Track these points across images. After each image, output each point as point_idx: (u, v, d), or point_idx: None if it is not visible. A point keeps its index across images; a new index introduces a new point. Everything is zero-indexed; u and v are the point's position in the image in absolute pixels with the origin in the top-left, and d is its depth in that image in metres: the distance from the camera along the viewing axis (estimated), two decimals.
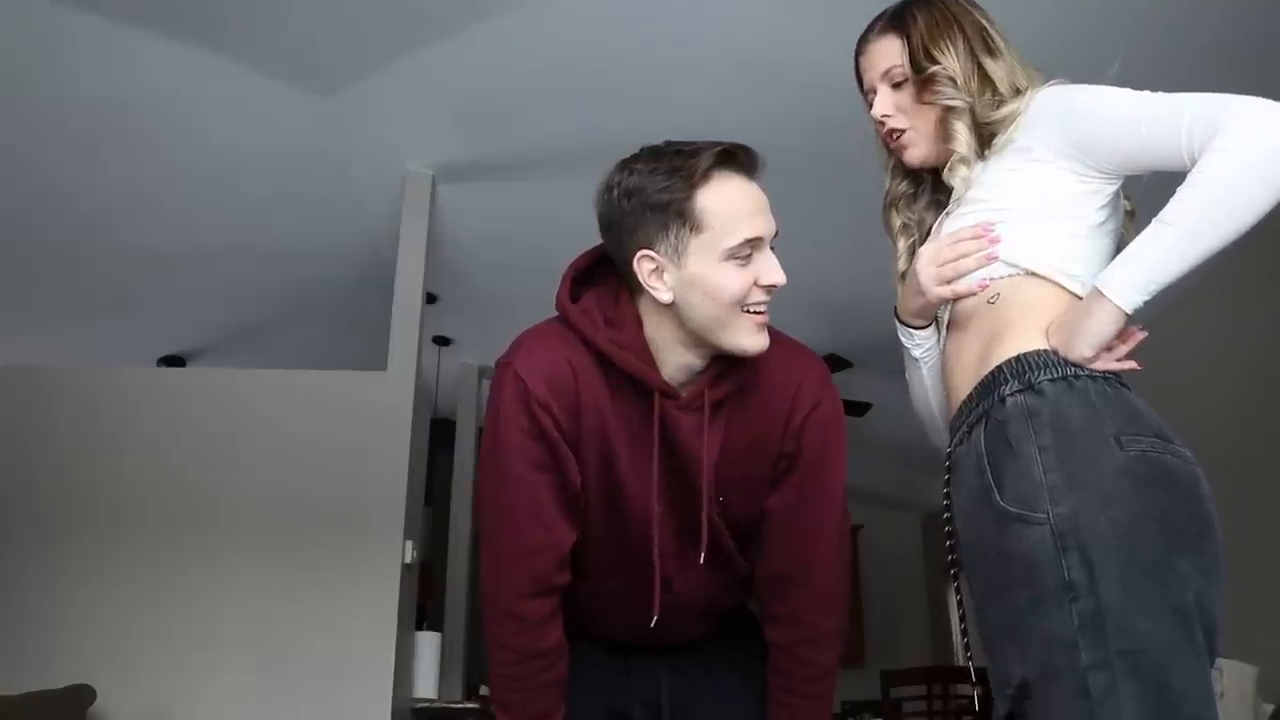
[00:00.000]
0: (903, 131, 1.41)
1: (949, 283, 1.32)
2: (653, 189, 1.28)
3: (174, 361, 5.51)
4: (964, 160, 1.35)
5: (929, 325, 1.43)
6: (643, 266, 1.30)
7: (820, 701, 1.50)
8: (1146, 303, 1.19)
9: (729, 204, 1.28)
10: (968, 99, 1.34)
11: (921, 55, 1.36)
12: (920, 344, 1.44)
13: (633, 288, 1.35)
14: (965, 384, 1.31)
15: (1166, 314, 4.35)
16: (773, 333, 1.37)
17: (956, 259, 1.31)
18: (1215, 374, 4.15)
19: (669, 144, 1.33)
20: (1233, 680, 3.18)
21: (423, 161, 3.91)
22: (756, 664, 1.54)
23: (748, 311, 1.31)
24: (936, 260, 1.33)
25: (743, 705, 1.56)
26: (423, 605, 4.42)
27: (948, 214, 1.39)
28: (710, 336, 1.33)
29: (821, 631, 1.47)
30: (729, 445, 1.40)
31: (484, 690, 4.85)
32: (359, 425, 3.66)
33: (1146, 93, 1.25)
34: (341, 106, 3.52)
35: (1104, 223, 1.30)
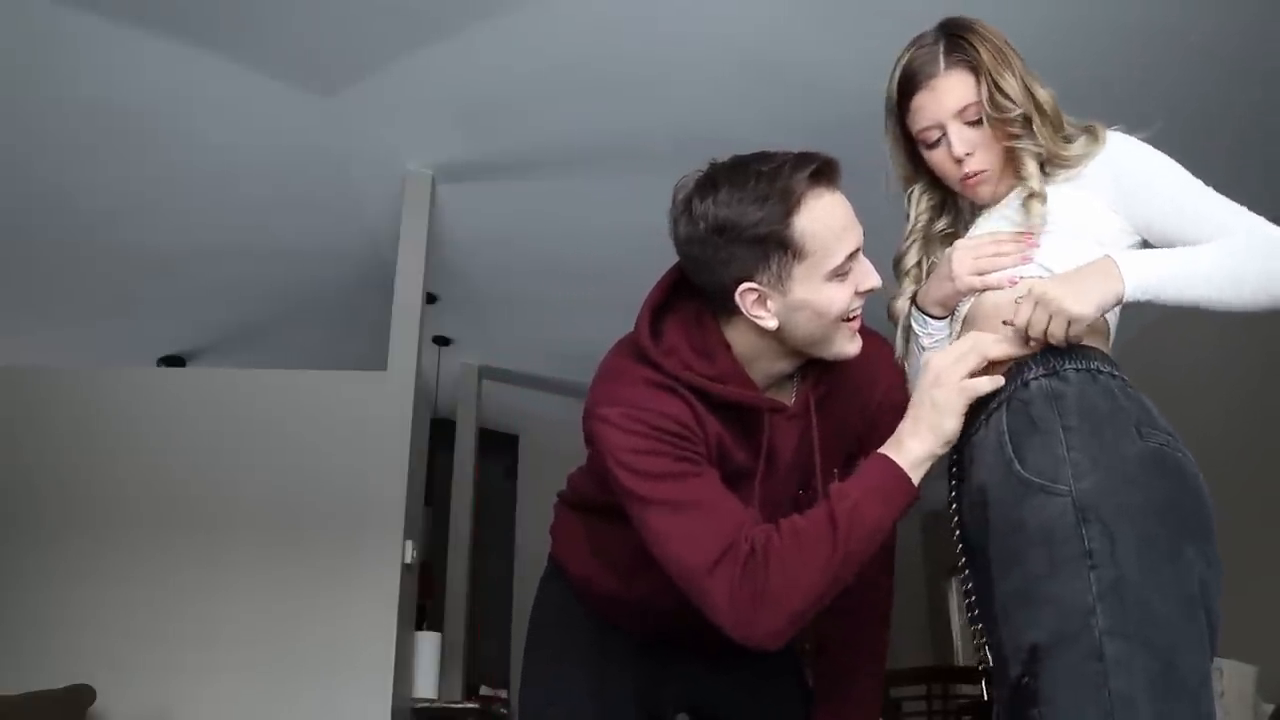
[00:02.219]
0: (981, 171, 1.38)
1: (981, 274, 1.35)
2: (748, 222, 1.24)
3: (174, 361, 5.50)
4: (1039, 196, 1.34)
5: (946, 317, 1.44)
6: (746, 299, 1.28)
7: (880, 651, 1.56)
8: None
9: (827, 225, 1.26)
10: (1043, 141, 1.35)
11: (998, 93, 1.33)
12: (933, 334, 1.45)
13: (721, 311, 1.33)
14: None
15: (1169, 315, 4.35)
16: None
17: (994, 253, 1.34)
18: (1218, 375, 4.15)
19: (742, 161, 1.29)
20: (1233, 680, 3.18)
21: (423, 161, 3.90)
22: (795, 658, 1.58)
23: (846, 320, 1.31)
24: (974, 253, 1.36)
25: (782, 698, 1.58)
26: (423, 605, 4.41)
27: (983, 220, 1.41)
28: (813, 350, 1.34)
29: (884, 586, 1.53)
30: (821, 438, 1.42)
31: (484, 690, 4.86)
32: (359, 425, 3.66)
33: (1197, 185, 1.32)
34: (341, 106, 3.52)
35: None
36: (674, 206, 1.32)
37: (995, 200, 1.42)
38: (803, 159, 1.27)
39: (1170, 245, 1.30)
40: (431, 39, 3.19)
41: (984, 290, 1.36)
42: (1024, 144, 1.35)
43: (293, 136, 3.70)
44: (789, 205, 1.24)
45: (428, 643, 4.10)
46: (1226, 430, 3.91)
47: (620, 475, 1.29)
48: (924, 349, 1.46)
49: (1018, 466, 1.21)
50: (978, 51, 1.35)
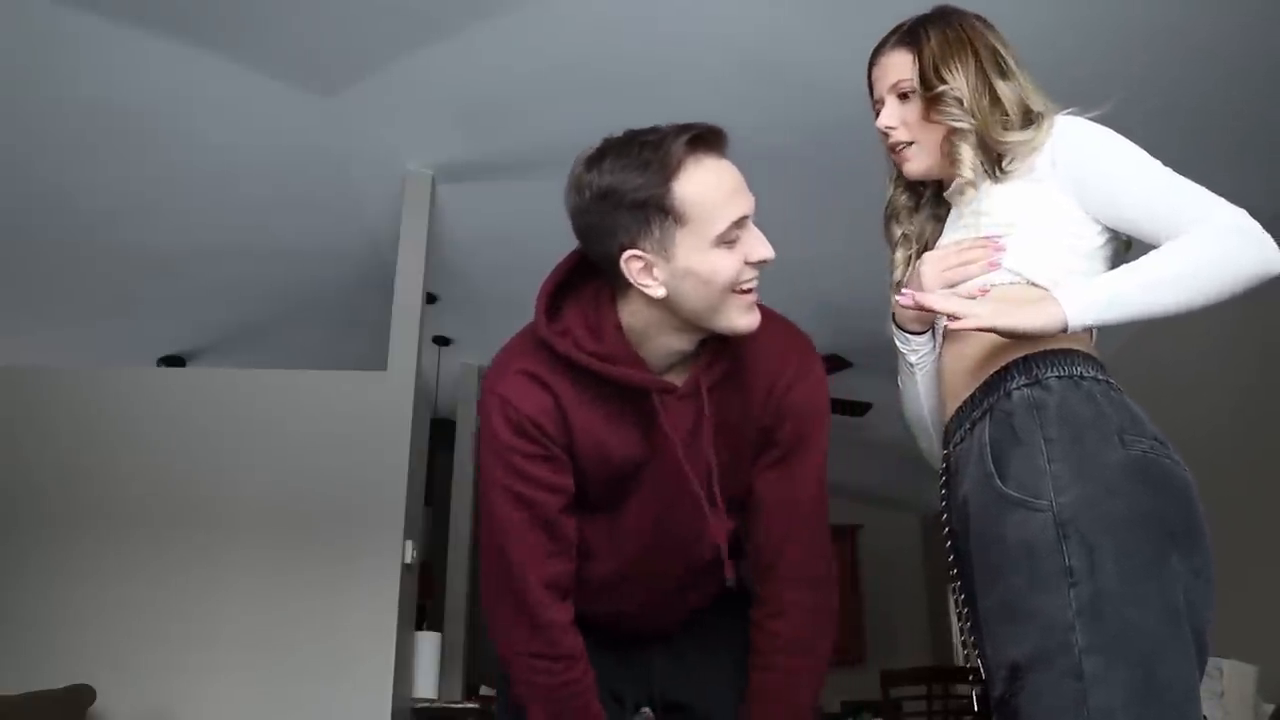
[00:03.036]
0: (905, 144, 1.43)
1: (952, 287, 1.34)
2: (628, 187, 1.25)
3: (174, 361, 5.51)
4: (971, 184, 1.37)
5: (926, 332, 1.45)
6: (631, 266, 1.28)
7: (787, 675, 1.46)
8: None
9: (708, 190, 1.26)
10: (973, 120, 1.36)
11: (931, 73, 1.39)
12: (916, 350, 1.46)
13: (616, 285, 1.34)
14: (963, 390, 1.34)
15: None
16: (762, 309, 1.36)
17: (961, 265, 1.34)
18: (1217, 374, 4.15)
19: (631, 134, 1.30)
20: (1233, 680, 3.18)
21: (423, 161, 3.90)
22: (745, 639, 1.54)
23: (739, 292, 1.30)
24: (941, 265, 1.36)
25: (731, 681, 1.54)
26: (423, 605, 4.41)
27: (949, 228, 1.42)
28: (704, 322, 1.32)
29: (788, 603, 1.45)
30: (719, 425, 1.40)
31: (484, 690, 4.86)
32: (359, 425, 3.66)
33: (1155, 167, 1.30)
34: (341, 106, 3.52)
35: (1103, 246, 1.33)
36: (567, 180, 1.32)
37: (926, 177, 1.45)
38: (684, 127, 1.27)
39: (1135, 233, 1.30)
40: (431, 39, 3.19)
41: None
42: (954, 121, 1.36)
43: (293, 137, 3.70)
44: (668, 171, 1.24)
45: (428, 643, 4.10)
46: (1227, 429, 3.91)
47: (483, 455, 1.40)
48: (911, 365, 1.47)
49: (998, 482, 1.21)
50: (928, 35, 1.41)
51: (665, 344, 1.36)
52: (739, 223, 1.27)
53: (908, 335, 1.45)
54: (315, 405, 3.70)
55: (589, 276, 1.39)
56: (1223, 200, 1.25)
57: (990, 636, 1.22)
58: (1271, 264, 1.22)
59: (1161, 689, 1.10)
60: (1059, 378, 1.24)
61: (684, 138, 1.25)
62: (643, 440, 1.38)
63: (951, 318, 1.25)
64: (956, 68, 1.38)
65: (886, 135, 1.45)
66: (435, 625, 4.79)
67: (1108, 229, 1.33)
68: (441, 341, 5.40)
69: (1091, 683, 1.10)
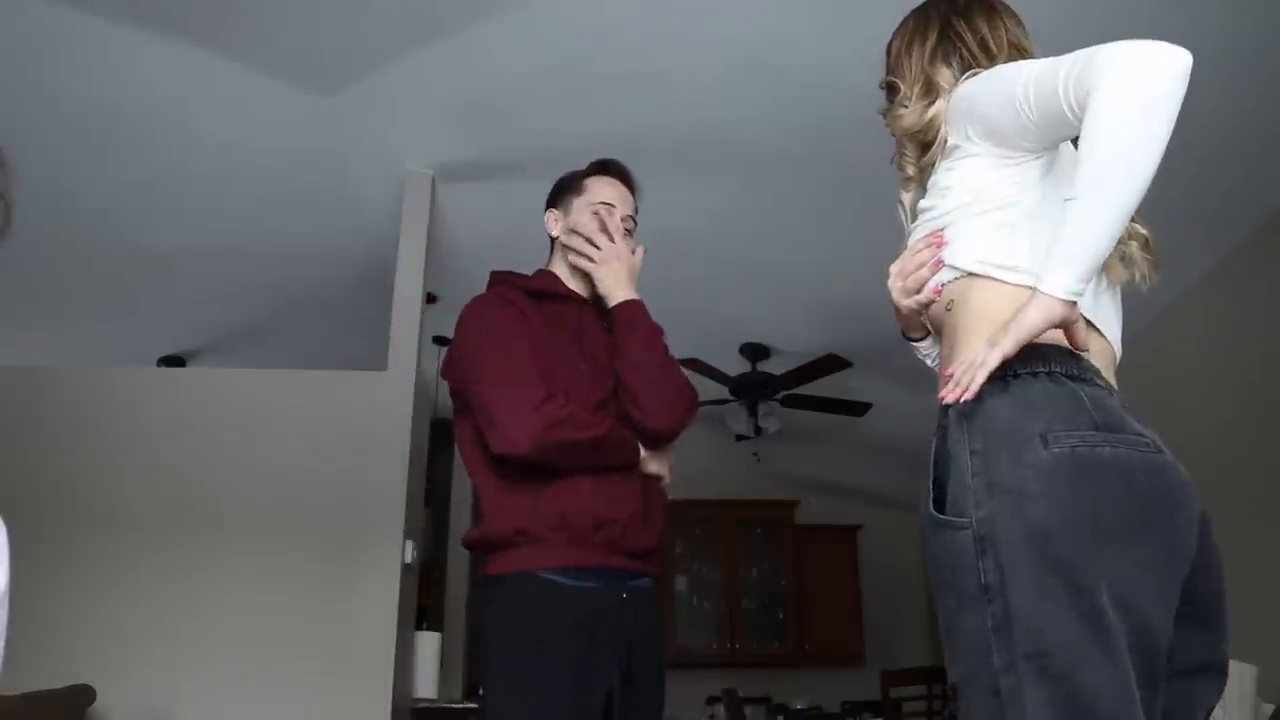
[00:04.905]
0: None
1: (914, 294, 1.34)
2: (566, 181, 2.17)
3: (174, 361, 5.50)
4: (909, 179, 1.41)
5: (927, 336, 1.45)
6: (549, 217, 2.16)
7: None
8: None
9: (598, 184, 2.12)
10: (900, 114, 1.38)
11: (893, 67, 1.42)
12: (927, 354, 1.46)
13: (552, 252, 2.16)
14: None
15: (1165, 316, 4.34)
16: None
17: (916, 269, 1.33)
18: (1215, 375, 4.15)
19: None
20: (1233, 680, 3.17)
21: (423, 161, 3.91)
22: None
23: (589, 242, 2.05)
24: (902, 274, 1.36)
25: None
26: (423, 605, 4.41)
27: (914, 225, 1.41)
28: (573, 258, 2.08)
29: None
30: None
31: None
32: (359, 425, 3.66)
33: (1036, 62, 1.25)
34: (341, 106, 3.52)
35: (1043, 203, 1.27)
36: None
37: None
38: (601, 162, 2.15)
39: (1051, 135, 1.24)
40: (431, 39, 3.19)
41: (921, 309, 1.36)
42: (894, 114, 1.40)
43: (293, 136, 3.70)
44: (585, 174, 2.15)
45: (428, 643, 4.10)
46: (1226, 429, 3.91)
47: (479, 322, 1.97)
48: (930, 366, 1.47)
49: (931, 504, 1.20)
50: (907, 24, 1.45)
51: (579, 285, 2.10)
52: (606, 205, 2.07)
53: (911, 342, 1.45)
54: (315, 405, 3.70)
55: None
56: (1097, 49, 1.16)
57: (945, 655, 1.22)
58: (1166, 70, 1.14)
59: (1087, 699, 1.06)
60: (987, 382, 1.18)
61: (597, 163, 2.15)
62: (574, 336, 2.00)
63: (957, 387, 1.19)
64: (905, 59, 1.41)
65: None
66: (435, 625, 4.78)
67: (1042, 183, 1.27)
68: (441, 341, 5.39)
69: (1007, 701, 1.08)
